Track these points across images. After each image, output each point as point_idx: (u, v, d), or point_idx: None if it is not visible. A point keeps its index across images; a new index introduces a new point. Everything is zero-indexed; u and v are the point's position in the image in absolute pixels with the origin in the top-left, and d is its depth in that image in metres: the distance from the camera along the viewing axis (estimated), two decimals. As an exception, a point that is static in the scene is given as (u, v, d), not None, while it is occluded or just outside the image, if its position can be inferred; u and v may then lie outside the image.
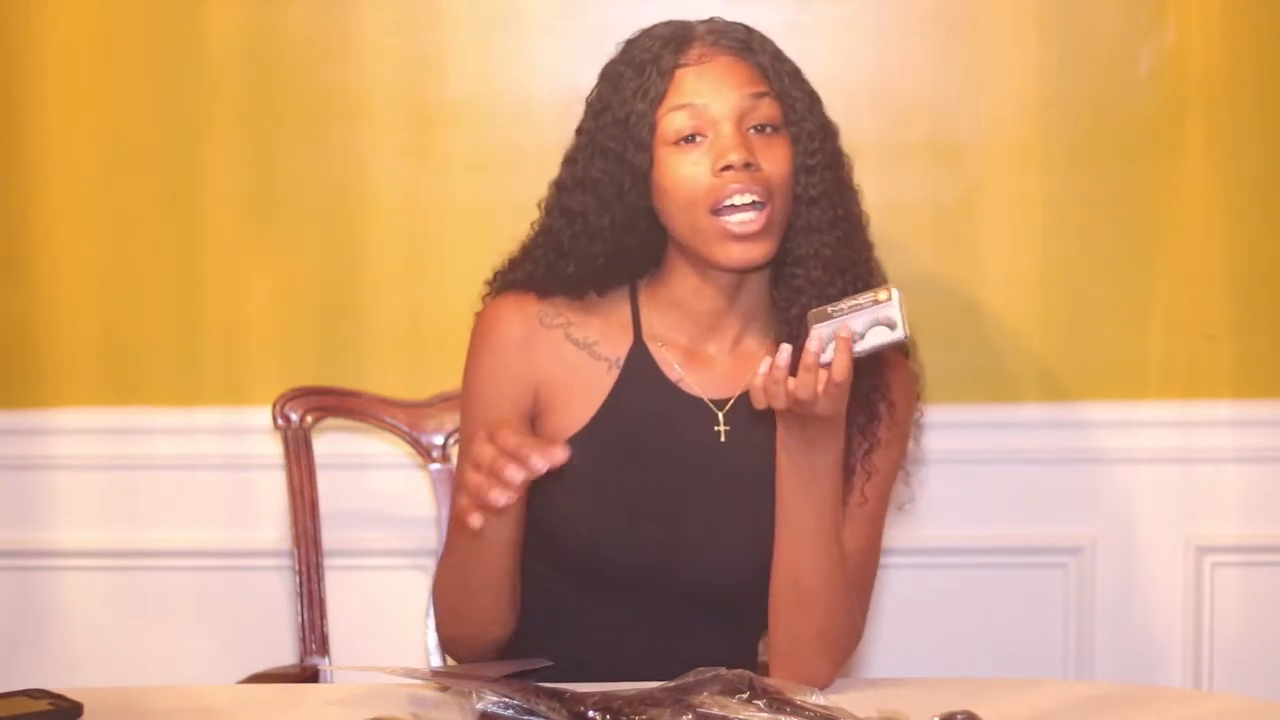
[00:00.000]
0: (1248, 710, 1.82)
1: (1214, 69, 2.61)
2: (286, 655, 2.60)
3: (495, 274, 2.05)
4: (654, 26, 1.96)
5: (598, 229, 1.95)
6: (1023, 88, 2.62)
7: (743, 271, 1.93)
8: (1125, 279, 2.64)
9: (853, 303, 1.74)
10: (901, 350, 2.03)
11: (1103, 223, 2.63)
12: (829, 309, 1.75)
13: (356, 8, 2.63)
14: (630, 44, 1.96)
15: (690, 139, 1.90)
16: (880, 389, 1.97)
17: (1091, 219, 2.63)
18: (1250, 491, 2.66)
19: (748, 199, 1.87)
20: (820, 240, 1.92)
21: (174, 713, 1.82)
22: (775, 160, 1.90)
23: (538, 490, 1.90)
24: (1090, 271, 2.64)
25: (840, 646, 1.91)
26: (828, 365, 1.74)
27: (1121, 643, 2.68)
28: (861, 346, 1.74)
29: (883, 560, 2.58)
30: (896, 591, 2.66)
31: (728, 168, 1.87)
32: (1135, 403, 2.66)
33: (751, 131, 1.90)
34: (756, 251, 1.89)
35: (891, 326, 1.73)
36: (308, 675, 2.34)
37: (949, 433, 2.64)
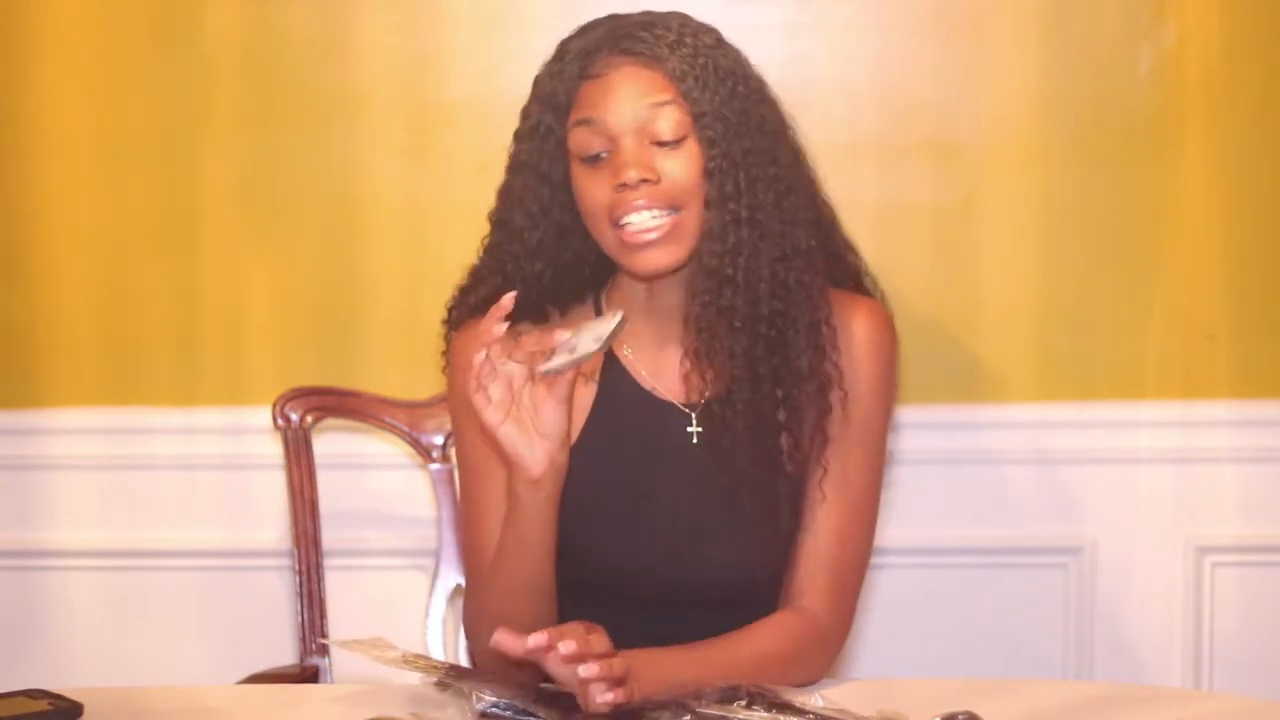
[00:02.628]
0: (1248, 710, 1.82)
1: (1213, 69, 2.61)
2: (286, 655, 2.60)
3: (450, 307, 2.03)
4: (588, 25, 1.95)
5: (532, 245, 1.95)
6: (1023, 88, 2.62)
7: (655, 277, 1.92)
8: (1124, 279, 2.64)
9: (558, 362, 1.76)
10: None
11: (1102, 223, 2.63)
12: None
13: (356, 8, 2.63)
14: (561, 46, 1.96)
15: (596, 155, 1.89)
16: (830, 380, 1.94)
17: (1091, 219, 2.63)
18: (1249, 491, 2.66)
19: (645, 215, 1.86)
20: (710, 248, 1.89)
21: (174, 713, 1.82)
22: (679, 169, 1.88)
23: None
24: (1089, 271, 2.64)
25: (814, 665, 1.90)
26: (545, 374, 1.76)
27: (1121, 643, 2.67)
28: (573, 357, 1.74)
29: (882, 561, 2.60)
30: (896, 592, 2.66)
31: (624, 185, 1.86)
32: (1134, 403, 2.65)
33: (658, 146, 1.88)
34: (663, 257, 1.88)
35: (595, 338, 1.74)
36: (308, 675, 2.34)
37: (948, 433, 2.64)
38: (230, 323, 2.67)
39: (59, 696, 1.76)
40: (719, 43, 1.94)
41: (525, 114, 1.96)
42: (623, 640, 1.95)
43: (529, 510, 1.83)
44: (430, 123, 2.64)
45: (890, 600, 2.65)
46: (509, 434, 1.79)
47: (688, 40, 1.91)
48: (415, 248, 2.65)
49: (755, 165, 1.91)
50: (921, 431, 2.61)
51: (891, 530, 2.58)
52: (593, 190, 1.89)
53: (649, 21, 1.92)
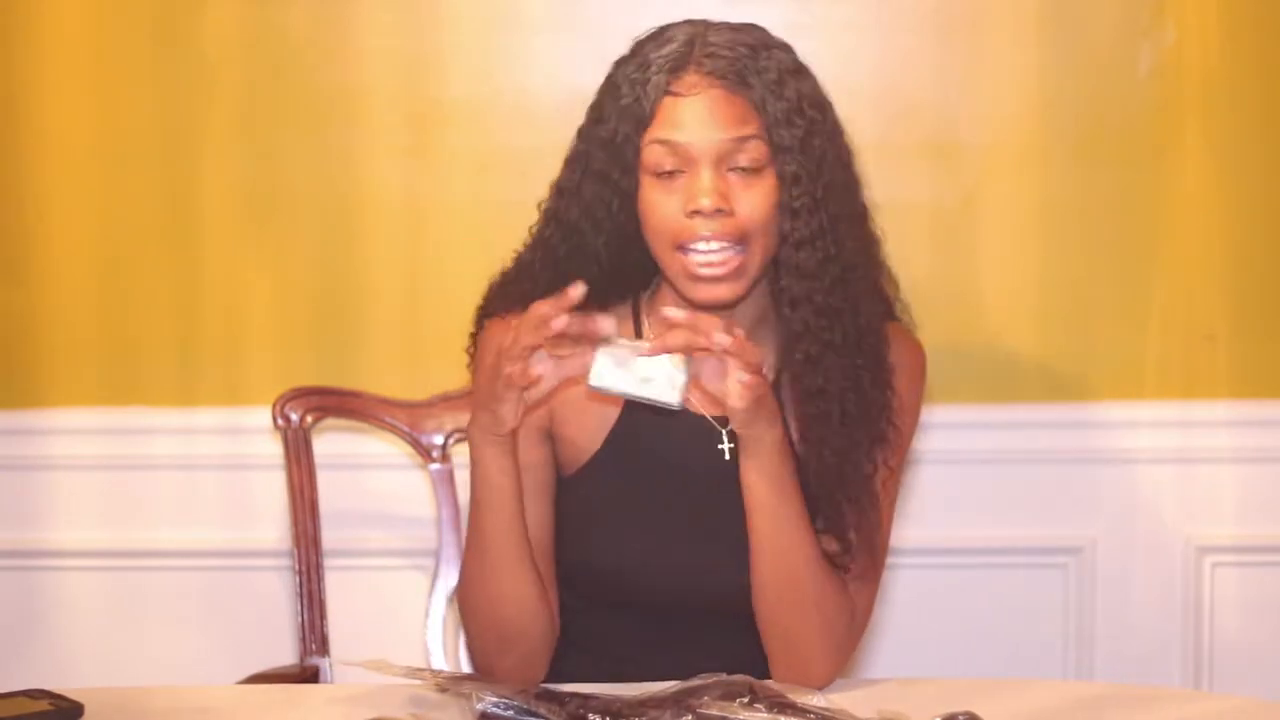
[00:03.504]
0: (1248, 710, 1.83)
1: (1213, 69, 2.61)
2: (286, 655, 2.60)
3: (489, 292, 2.01)
4: (667, 30, 1.90)
5: (592, 248, 1.93)
6: (1023, 88, 2.62)
7: (709, 309, 1.88)
8: (1124, 279, 2.64)
9: (643, 352, 1.74)
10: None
11: (1102, 223, 2.64)
12: (625, 343, 1.75)
13: (356, 8, 2.63)
14: (639, 47, 1.91)
15: (670, 172, 1.86)
16: (884, 386, 1.95)
17: (1091, 219, 2.63)
18: (1249, 491, 2.66)
19: (714, 246, 1.84)
20: (812, 286, 1.88)
21: (174, 713, 1.82)
22: (754, 203, 1.85)
23: (557, 519, 1.95)
24: (1089, 271, 2.64)
25: (839, 644, 1.90)
26: (595, 389, 1.75)
27: (1121, 643, 2.68)
28: (637, 392, 1.74)
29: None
30: (896, 591, 2.66)
31: (697, 212, 1.84)
32: (1134, 403, 2.66)
33: (734, 172, 1.85)
34: (723, 292, 1.86)
35: (673, 388, 1.74)
36: (308, 675, 2.34)
37: (949, 433, 2.64)
38: (230, 323, 2.67)
39: (59, 696, 1.76)
40: (798, 66, 1.91)
41: (599, 117, 1.91)
42: (638, 649, 1.95)
43: (497, 460, 1.83)
44: (430, 123, 2.63)
45: (890, 600, 2.65)
46: (512, 403, 1.79)
47: (771, 66, 1.88)
48: (415, 248, 2.65)
49: (836, 202, 1.90)
50: (921, 432, 2.60)
51: (892, 530, 2.58)
52: (663, 209, 1.86)
53: (734, 40, 1.88)
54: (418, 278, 2.65)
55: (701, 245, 1.84)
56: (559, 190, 1.96)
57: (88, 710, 1.75)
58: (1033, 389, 2.66)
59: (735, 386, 1.77)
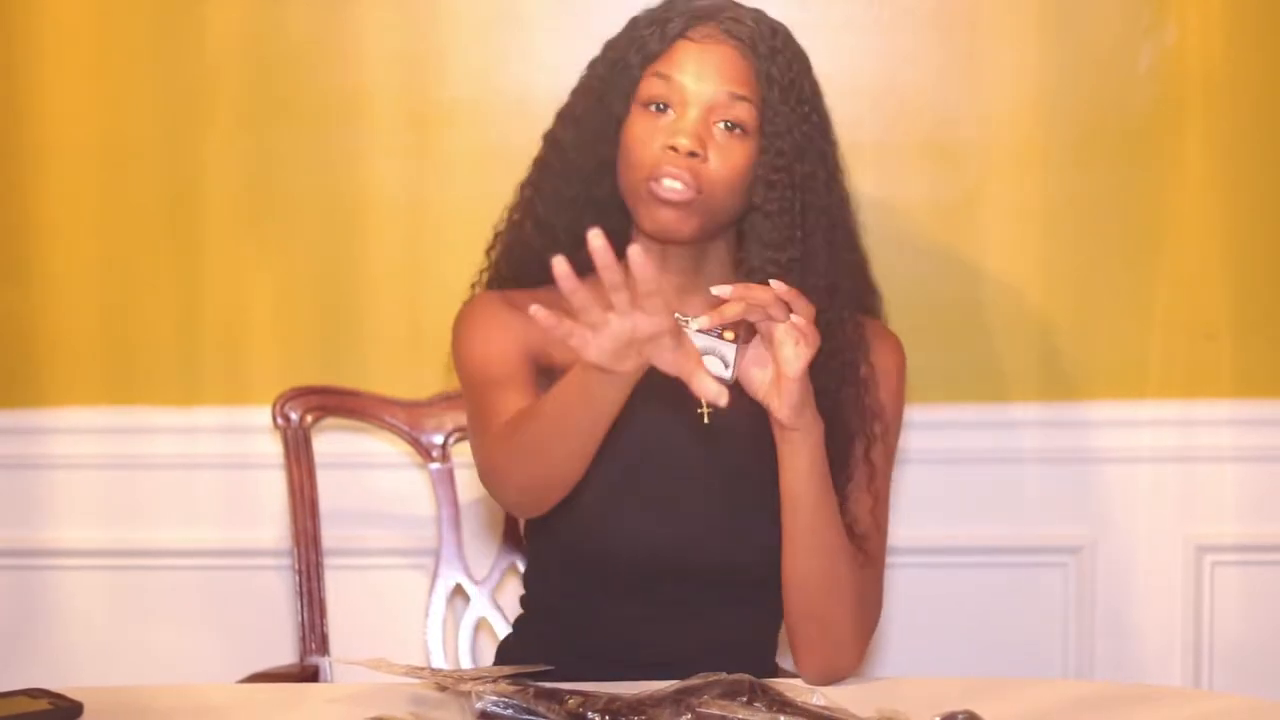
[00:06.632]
0: (1248, 710, 1.83)
1: (1214, 68, 2.61)
2: (286, 655, 2.60)
3: (481, 271, 2.10)
4: None
5: (574, 166, 1.99)
6: (1023, 88, 2.62)
7: (664, 241, 1.93)
8: (1125, 278, 2.64)
9: (702, 326, 1.76)
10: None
11: (1102, 222, 2.64)
12: (679, 318, 1.71)
13: (356, 8, 2.63)
14: (667, 2, 1.98)
15: (661, 108, 1.92)
16: (857, 365, 1.98)
17: (1091, 218, 2.64)
18: (1250, 491, 2.66)
19: (678, 185, 1.88)
20: (769, 256, 1.92)
21: (173, 712, 1.82)
22: (728, 160, 1.91)
23: None
24: (1090, 271, 2.64)
25: (869, 628, 1.95)
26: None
27: (1121, 642, 2.68)
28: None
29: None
30: (897, 591, 2.66)
31: (673, 149, 1.89)
32: (1135, 402, 2.66)
33: (721, 126, 1.91)
34: (674, 222, 1.90)
35: (725, 365, 1.78)
36: (307, 674, 2.34)
37: (949, 432, 2.64)
38: (231, 322, 2.67)
39: (59, 696, 1.76)
40: (809, 69, 1.99)
41: (610, 45, 2.00)
42: (621, 618, 1.96)
43: (606, 392, 1.70)
44: (430, 122, 2.64)
45: (890, 599, 2.64)
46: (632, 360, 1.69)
47: (787, 54, 1.95)
48: (415, 247, 2.65)
49: (811, 191, 1.94)
50: (922, 431, 2.61)
51: (891, 529, 2.58)
52: (644, 138, 1.91)
53: (759, 18, 1.97)
54: (418, 277, 2.65)
55: (668, 182, 1.89)
56: (559, 115, 2.03)
57: (87, 709, 1.75)
58: (1033, 388, 2.66)
59: (790, 349, 1.78)
